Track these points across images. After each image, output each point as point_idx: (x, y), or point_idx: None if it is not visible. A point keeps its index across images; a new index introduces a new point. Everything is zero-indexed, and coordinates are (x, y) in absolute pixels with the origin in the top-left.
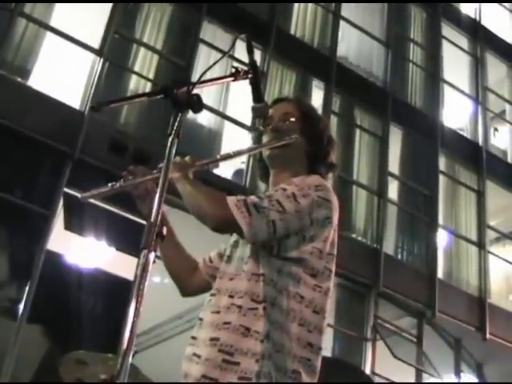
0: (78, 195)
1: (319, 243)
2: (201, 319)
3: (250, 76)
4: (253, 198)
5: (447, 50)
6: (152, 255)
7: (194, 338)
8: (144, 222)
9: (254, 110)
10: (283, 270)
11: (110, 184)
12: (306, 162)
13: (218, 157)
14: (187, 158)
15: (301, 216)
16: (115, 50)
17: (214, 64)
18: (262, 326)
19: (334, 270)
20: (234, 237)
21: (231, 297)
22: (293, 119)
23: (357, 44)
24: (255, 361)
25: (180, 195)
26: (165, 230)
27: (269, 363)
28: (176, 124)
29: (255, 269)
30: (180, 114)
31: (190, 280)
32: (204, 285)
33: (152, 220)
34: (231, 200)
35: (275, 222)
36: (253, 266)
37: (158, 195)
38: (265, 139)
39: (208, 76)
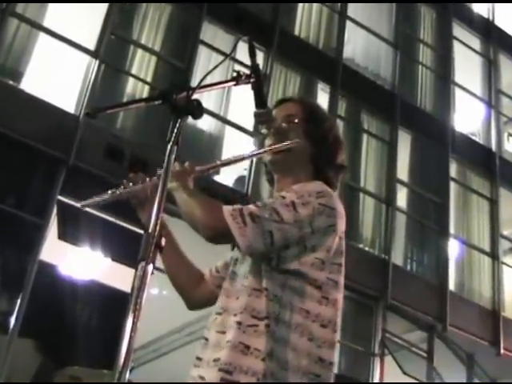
0: (76, 204)
1: (321, 253)
2: (206, 339)
3: (252, 80)
4: (250, 207)
5: (458, 52)
6: (150, 267)
7: (198, 358)
8: (142, 232)
9: (256, 115)
10: (286, 285)
11: (109, 191)
12: (311, 166)
13: (218, 162)
14: (186, 165)
15: (300, 225)
16: (111, 51)
17: (215, 68)
18: (264, 343)
19: (341, 280)
20: (237, 252)
21: (235, 315)
22: (296, 121)
23: (364, 45)
24: (256, 379)
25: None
26: (163, 241)
27: (271, 381)
28: (175, 130)
29: (256, 284)
30: (179, 120)
31: (196, 292)
32: (211, 296)
33: (150, 230)
34: (226, 209)
35: (272, 232)
36: (254, 281)
37: (156, 204)
38: (267, 143)
39: (208, 80)
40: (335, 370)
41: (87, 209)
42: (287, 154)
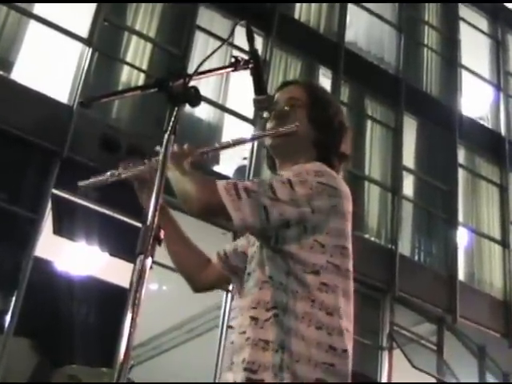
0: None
1: (322, 235)
2: (232, 342)
3: (250, 66)
4: (245, 182)
5: (465, 33)
6: (149, 261)
7: (232, 362)
8: (139, 225)
9: (255, 102)
10: (290, 272)
11: (108, 172)
12: (315, 152)
13: (217, 145)
14: (185, 147)
15: (297, 203)
16: (105, 38)
17: (212, 54)
18: (275, 335)
19: (345, 264)
20: (253, 247)
21: (249, 310)
22: (299, 104)
23: (366, 28)
24: (274, 375)
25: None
26: (162, 234)
27: (288, 375)
28: (172, 119)
29: (263, 275)
30: (176, 109)
31: (203, 274)
32: (219, 279)
33: (148, 223)
34: (220, 183)
35: (267, 207)
36: (261, 273)
37: (154, 196)
38: (268, 126)
39: (206, 66)
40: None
41: (83, 202)
42: (288, 138)
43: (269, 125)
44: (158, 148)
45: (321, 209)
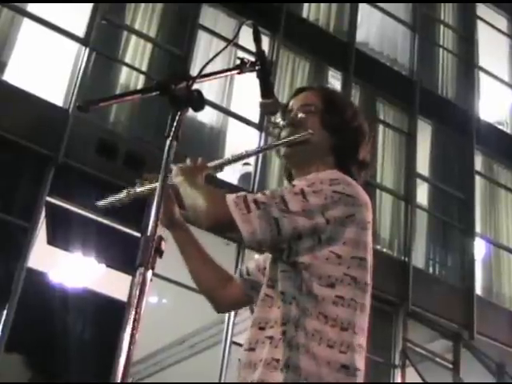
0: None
1: (338, 246)
2: (239, 360)
3: (257, 68)
4: (255, 194)
5: (483, 33)
6: (149, 273)
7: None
8: (139, 235)
9: (262, 106)
10: (302, 287)
11: (125, 190)
12: (332, 159)
13: (231, 157)
14: (198, 161)
15: (310, 215)
16: (103, 38)
17: (217, 55)
18: (283, 353)
19: (364, 276)
20: (269, 260)
21: (262, 329)
22: (313, 110)
23: (379, 28)
24: None
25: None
26: (163, 245)
27: None
28: (174, 124)
29: (274, 290)
30: (179, 113)
31: (225, 293)
32: (243, 298)
33: (149, 233)
34: (230, 196)
35: (278, 219)
36: (272, 288)
37: (155, 205)
38: (282, 135)
39: (210, 68)
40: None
41: (79, 210)
42: (302, 146)
43: (283, 133)
44: (172, 166)
45: (336, 219)
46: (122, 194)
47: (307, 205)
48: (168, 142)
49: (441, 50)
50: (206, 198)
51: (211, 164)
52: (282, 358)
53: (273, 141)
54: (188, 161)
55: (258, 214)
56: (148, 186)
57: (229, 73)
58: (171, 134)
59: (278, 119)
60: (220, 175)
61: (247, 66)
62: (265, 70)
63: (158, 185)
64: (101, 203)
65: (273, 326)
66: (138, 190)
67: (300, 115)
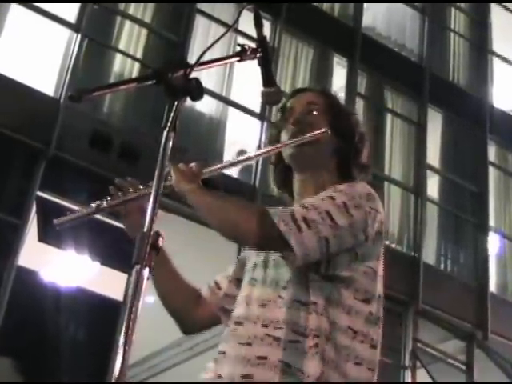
0: (55, 221)
1: (372, 262)
2: (223, 352)
3: (258, 55)
4: (298, 209)
5: (497, 16)
6: (146, 271)
7: (219, 376)
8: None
9: (264, 95)
10: (333, 298)
11: (93, 204)
12: (335, 162)
13: (232, 160)
14: (193, 165)
15: (354, 231)
16: (95, 24)
17: (216, 42)
18: (314, 366)
19: (382, 293)
20: (260, 256)
21: (265, 326)
22: (318, 109)
23: (386, 11)
24: None
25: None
26: (161, 241)
27: None
28: (171, 115)
29: (301, 296)
30: (176, 103)
31: (194, 313)
32: (212, 319)
33: (145, 229)
34: (275, 213)
35: (328, 239)
36: (297, 292)
37: (151, 200)
38: (285, 135)
39: (208, 55)
40: None
41: (71, 206)
42: (313, 146)
43: (286, 134)
44: (151, 183)
45: (372, 236)
46: (88, 209)
47: (352, 220)
48: (165, 134)
49: (452, 34)
50: (247, 215)
51: (208, 169)
52: (312, 372)
53: (285, 140)
54: (181, 165)
55: (310, 234)
56: (117, 200)
57: (228, 60)
58: (168, 124)
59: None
60: None
61: (248, 53)
62: (266, 57)
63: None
64: (60, 221)
65: (281, 328)
66: (106, 204)
67: (306, 115)
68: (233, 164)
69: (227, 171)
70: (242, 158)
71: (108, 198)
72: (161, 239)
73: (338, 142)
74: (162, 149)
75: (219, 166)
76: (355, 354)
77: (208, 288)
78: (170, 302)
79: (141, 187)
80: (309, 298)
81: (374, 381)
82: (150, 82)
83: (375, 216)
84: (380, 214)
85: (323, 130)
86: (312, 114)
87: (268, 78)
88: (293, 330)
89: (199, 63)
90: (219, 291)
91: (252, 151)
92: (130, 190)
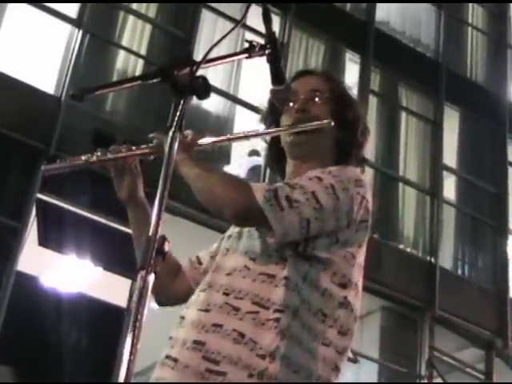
0: (43, 167)
1: (353, 248)
2: (182, 317)
3: (267, 51)
4: (284, 188)
5: None
6: (152, 277)
7: (170, 338)
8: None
9: (273, 93)
10: (308, 277)
11: (83, 156)
12: (335, 153)
13: (229, 136)
14: (188, 133)
15: (338, 215)
16: (97, 19)
17: (223, 38)
18: (269, 338)
19: (360, 283)
20: (236, 228)
21: (226, 294)
22: (322, 97)
23: (400, 5)
24: (248, 376)
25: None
26: (167, 246)
27: None
28: (177, 114)
29: (267, 268)
30: (182, 102)
31: (171, 286)
32: (188, 292)
33: (151, 233)
34: (258, 188)
35: (310, 221)
36: (264, 265)
37: (157, 202)
38: (286, 120)
39: (215, 52)
40: None
41: (73, 208)
42: (313, 135)
43: (288, 119)
44: (153, 135)
45: (355, 222)
46: (78, 160)
47: (338, 203)
48: (170, 134)
49: (469, 28)
50: (231, 188)
51: (203, 140)
52: (266, 344)
53: (286, 126)
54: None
55: (291, 214)
56: (108, 156)
57: (236, 57)
58: (174, 124)
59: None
60: (227, 168)
61: (256, 49)
62: (276, 53)
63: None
64: (48, 167)
65: (242, 298)
66: (96, 158)
67: (310, 102)
68: (229, 139)
69: (237, 171)
70: (238, 134)
71: (98, 154)
72: (167, 243)
73: (339, 134)
74: (167, 149)
75: (216, 139)
76: (323, 336)
77: (189, 262)
78: None
79: (133, 148)
80: (279, 272)
81: (343, 364)
82: (154, 80)
83: (361, 202)
84: (367, 201)
85: (326, 121)
86: (316, 102)
87: (277, 76)
88: (253, 301)
89: (206, 60)
90: (199, 266)
91: (250, 130)
92: (123, 150)
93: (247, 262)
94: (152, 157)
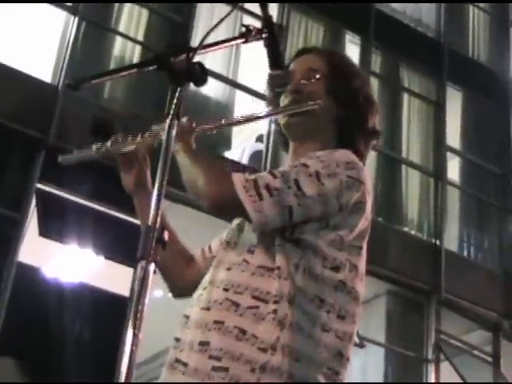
0: (60, 158)
1: (343, 231)
2: (187, 317)
3: (264, 36)
4: (265, 176)
5: None
6: (152, 266)
7: (177, 339)
8: (140, 224)
9: (271, 78)
10: (300, 264)
11: (94, 146)
12: (336, 131)
13: (223, 121)
14: (184, 120)
15: (325, 200)
16: (93, 5)
17: (220, 22)
18: (268, 331)
19: (362, 265)
20: (237, 220)
21: (226, 290)
22: (318, 76)
23: None
24: (250, 370)
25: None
26: (166, 235)
27: (285, 376)
28: (174, 101)
29: (265, 261)
30: (179, 89)
31: (185, 276)
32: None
33: (150, 222)
34: (238, 178)
35: (292, 208)
36: (262, 258)
37: (156, 190)
38: (283, 102)
39: (213, 36)
40: (381, 379)
41: (73, 197)
42: (306, 116)
43: (284, 100)
44: (154, 127)
45: (347, 205)
46: (90, 151)
47: (323, 189)
48: (168, 121)
49: (471, 7)
50: (209, 175)
51: (199, 127)
52: (266, 338)
53: (276, 108)
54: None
55: (270, 202)
56: (118, 145)
57: (233, 42)
58: (171, 112)
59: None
60: (228, 154)
61: (253, 33)
62: (273, 38)
63: (159, 167)
64: (65, 158)
65: (241, 293)
66: (105, 148)
67: (304, 81)
68: (226, 124)
69: (237, 158)
70: (234, 119)
71: (109, 144)
72: (166, 233)
73: (339, 110)
74: (165, 137)
75: (211, 125)
76: (322, 321)
77: (201, 251)
78: (162, 263)
79: (139, 137)
80: (273, 264)
81: (344, 350)
82: (151, 68)
83: (353, 185)
84: (361, 183)
85: (312, 102)
86: (311, 80)
87: (275, 60)
88: (253, 295)
89: (202, 46)
90: (210, 254)
91: (246, 114)
92: (129, 138)
93: (246, 256)
94: (156, 144)
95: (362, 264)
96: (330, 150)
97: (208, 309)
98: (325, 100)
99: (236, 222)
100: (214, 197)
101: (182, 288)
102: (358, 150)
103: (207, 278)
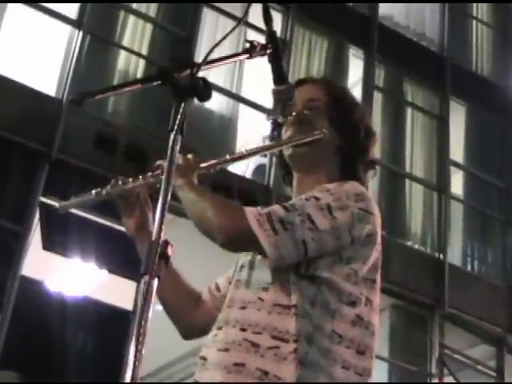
0: (56, 204)
1: (357, 265)
2: (204, 358)
3: (268, 51)
4: (278, 210)
5: None
6: (155, 281)
7: (196, 383)
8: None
9: (275, 93)
10: (317, 301)
11: (94, 191)
12: (339, 161)
13: (228, 157)
14: (189, 157)
15: (338, 234)
16: (97, 19)
17: (223, 39)
18: (291, 371)
19: (376, 299)
20: (248, 256)
21: (243, 330)
22: (319, 106)
23: None
24: None
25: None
26: (170, 250)
27: None
28: (178, 117)
29: (281, 299)
30: (183, 105)
31: (193, 317)
32: (211, 321)
33: (153, 238)
34: (251, 213)
35: (306, 242)
36: (277, 295)
37: (160, 205)
38: (285, 133)
39: (217, 51)
40: None
41: (77, 211)
42: (312, 146)
43: (287, 131)
44: (159, 162)
45: (359, 238)
46: (89, 196)
47: (335, 222)
48: (172, 137)
49: (474, 21)
50: (221, 211)
51: (204, 165)
52: (289, 378)
53: (281, 139)
54: (179, 157)
55: (285, 237)
56: (118, 188)
57: (237, 58)
58: (175, 127)
59: (278, 115)
60: (232, 168)
61: (257, 49)
62: (277, 53)
63: (162, 180)
64: (63, 204)
65: (260, 333)
66: (106, 191)
67: (307, 112)
68: (231, 160)
69: (242, 172)
70: (239, 154)
71: (109, 187)
72: (170, 248)
73: (341, 141)
74: (169, 153)
75: (216, 161)
76: (342, 358)
77: (208, 290)
78: (169, 304)
79: (140, 178)
80: (289, 301)
81: None
82: (155, 83)
83: (364, 217)
84: (372, 215)
85: (318, 132)
86: (312, 112)
87: (279, 75)
88: (272, 335)
89: (206, 62)
90: (218, 293)
91: (250, 148)
92: (130, 181)
93: (260, 293)
94: (158, 185)
95: (377, 297)
96: (340, 182)
97: (226, 350)
98: (327, 130)
99: (246, 259)
100: (226, 230)
101: (192, 328)
102: (360, 180)
103: (221, 317)
